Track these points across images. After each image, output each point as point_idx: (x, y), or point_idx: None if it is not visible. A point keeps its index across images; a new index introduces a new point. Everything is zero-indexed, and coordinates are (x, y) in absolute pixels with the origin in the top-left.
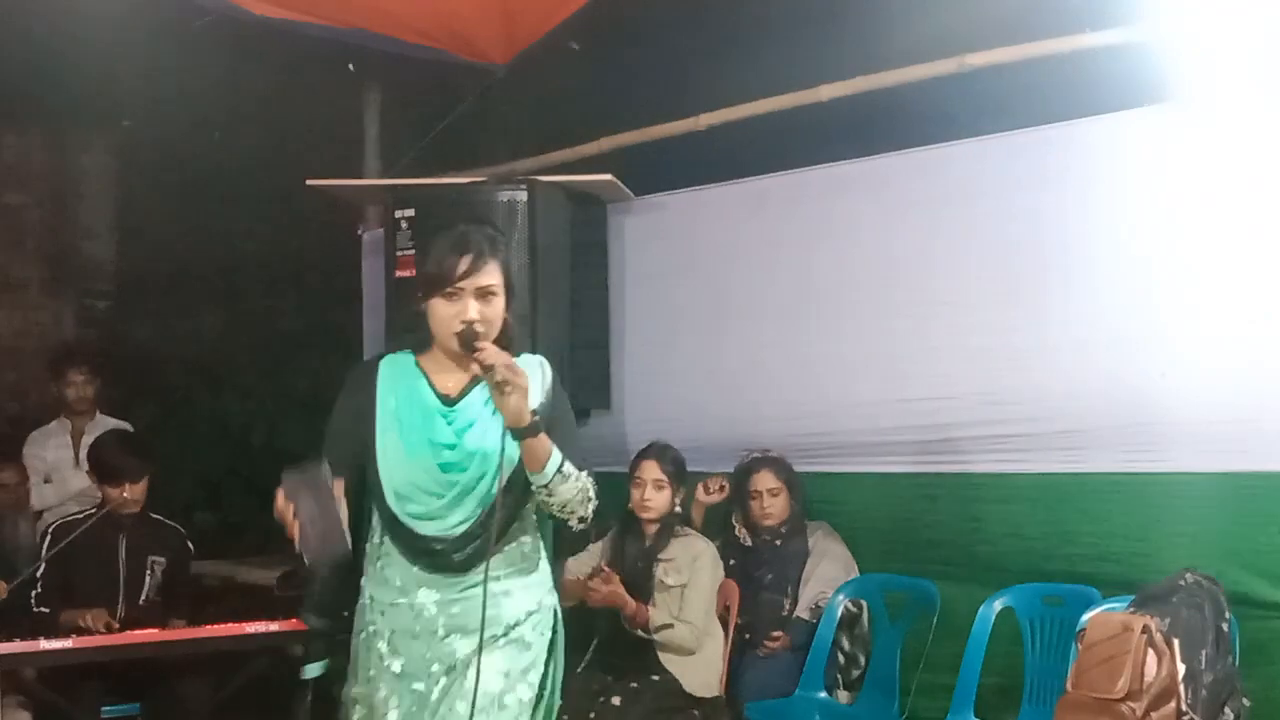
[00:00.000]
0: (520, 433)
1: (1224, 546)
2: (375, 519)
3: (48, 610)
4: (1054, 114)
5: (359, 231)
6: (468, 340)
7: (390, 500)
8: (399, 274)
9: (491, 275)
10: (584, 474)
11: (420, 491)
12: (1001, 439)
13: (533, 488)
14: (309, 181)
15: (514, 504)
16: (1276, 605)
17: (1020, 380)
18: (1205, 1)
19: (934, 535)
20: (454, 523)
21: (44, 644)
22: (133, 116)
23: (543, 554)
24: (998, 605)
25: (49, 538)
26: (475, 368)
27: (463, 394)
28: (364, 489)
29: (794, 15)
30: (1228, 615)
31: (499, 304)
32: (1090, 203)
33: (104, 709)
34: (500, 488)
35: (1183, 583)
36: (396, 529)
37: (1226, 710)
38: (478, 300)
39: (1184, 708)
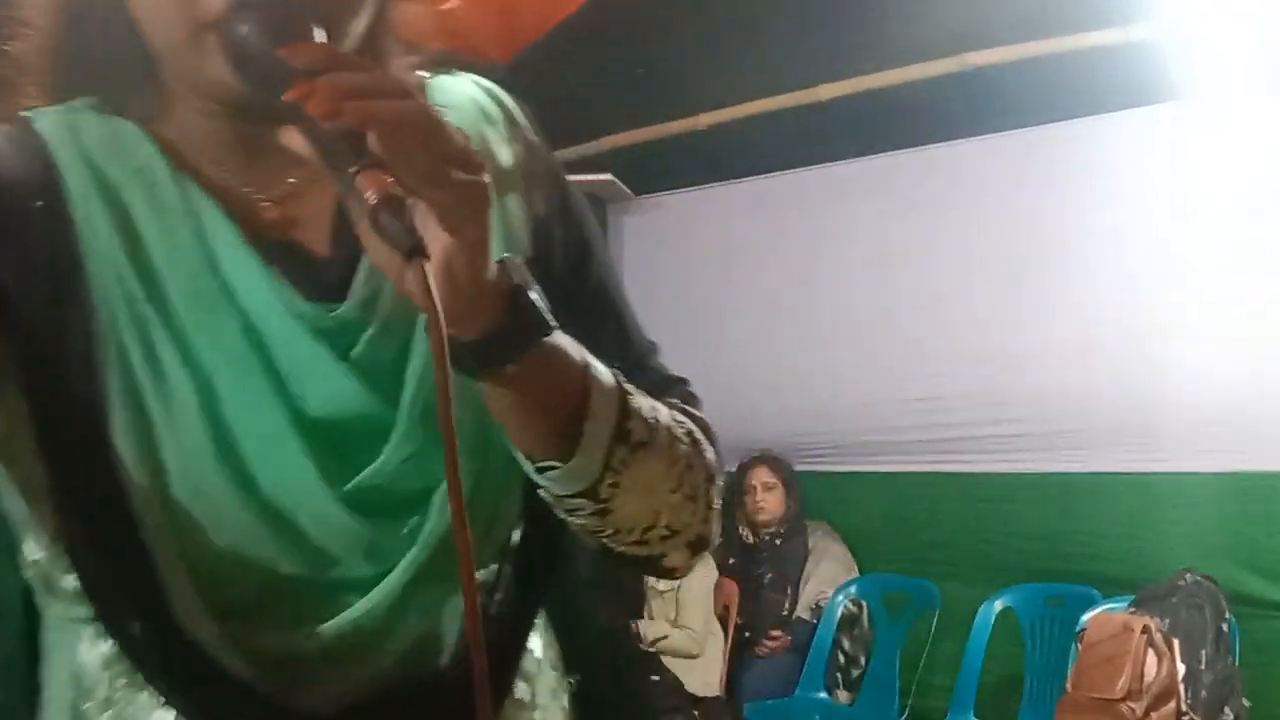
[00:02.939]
0: (487, 341)
1: (1224, 546)
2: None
3: None
4: (1055, 113)
5: None
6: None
7: (185, 619)
8: None
9: None
10: (679, 416)
11: (280, 589)
12: (1002, 439)
13: (548, 494)
14: None
15: (506, 545)
16: (1276, 605)
17: (1020, 380)
18: (1205, 0)
19: (934, 535)
20: (356, 618)
21: None
22: None
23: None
24: (998, 605)
25: None
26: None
27: (344, 256)
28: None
29: (794, 15)
30: (1227, 615)
31: None
32: (1091, 202)
33: None
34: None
35: (1183, 583)
36: (204, 705)
37: (1226, 710)
38: None
39: (1184, 708)
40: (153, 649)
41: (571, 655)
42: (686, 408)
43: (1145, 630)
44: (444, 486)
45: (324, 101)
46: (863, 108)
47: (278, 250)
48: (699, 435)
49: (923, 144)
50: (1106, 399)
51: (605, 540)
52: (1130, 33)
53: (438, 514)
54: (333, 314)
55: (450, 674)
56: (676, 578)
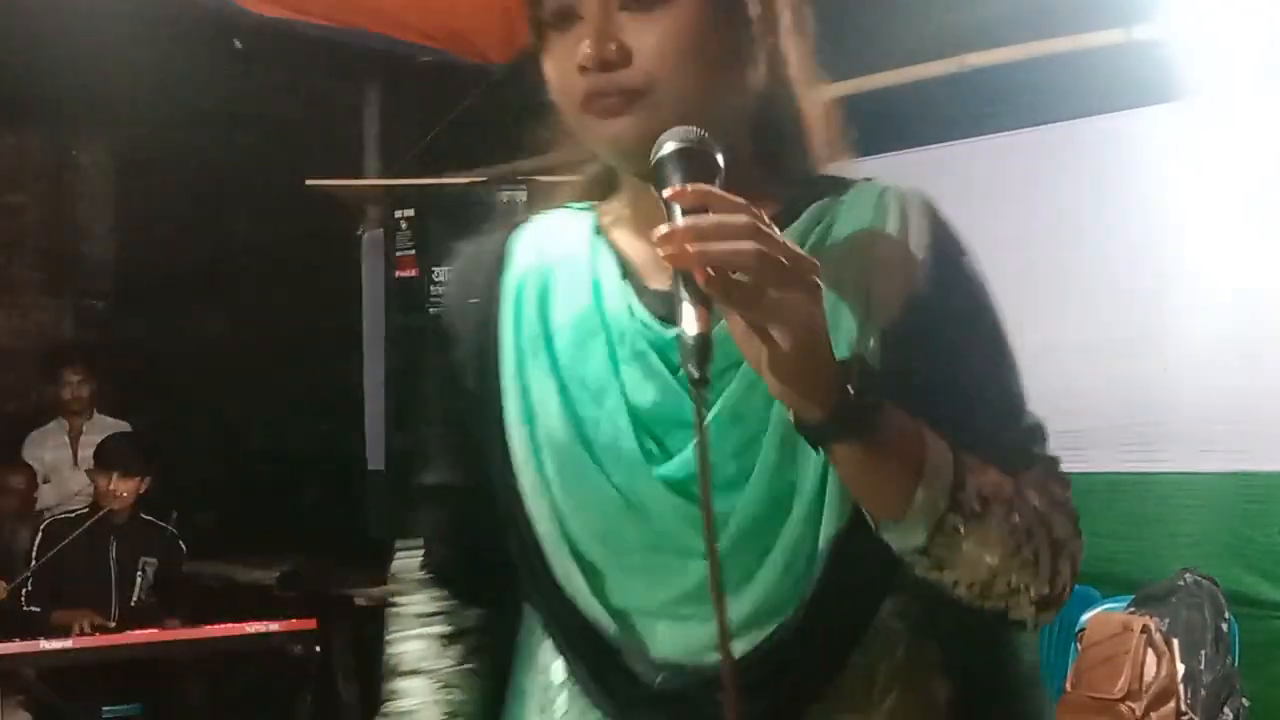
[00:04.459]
0: (816, 427)
1: (1224, 546)
2: (538, 627)
3: (39, 609)
4: (1055, 113)
5: (359, 231)
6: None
7: (564, 579)
8: (399, 274)
9: None
10: (1026, 491)
11: (632, 554)
12: None
13: (897, 549)
14: (309, 181)
15: (867, 574)
16: (1276, 605)
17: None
18: (1206, 0)
19: None
20: (736, 626)
21: (44, 644)
22: (132, 117)
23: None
24: None
25: (40, 535)
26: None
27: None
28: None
29: None
30: (1227, 615)
31: (683, 17)
32: (1091, 202)
33: (104, 709)
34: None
35: (1182, 583)
36: (582, 651)
37: (1226, 710)
38: (613, 16)
39: (1183, 708)
40: (556, 624)
41: (930, 620)
42: (1048, 484)
43: (1145, 630)
44: (756, 472)
45: (672, 248)
46: (863, 108)
47: (654, 291)
48: (1046, 512)
49: (923, 144)
50: (1107, 399)
51: (946, 588)
52: (1131, 32)
53: (751, 495)
54: (673, 332)
55: (787, 639)
56: (1028, 630)
